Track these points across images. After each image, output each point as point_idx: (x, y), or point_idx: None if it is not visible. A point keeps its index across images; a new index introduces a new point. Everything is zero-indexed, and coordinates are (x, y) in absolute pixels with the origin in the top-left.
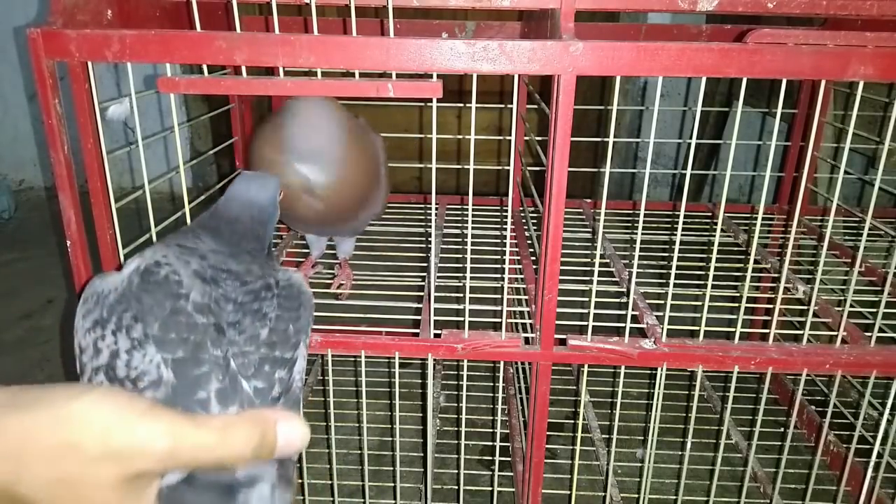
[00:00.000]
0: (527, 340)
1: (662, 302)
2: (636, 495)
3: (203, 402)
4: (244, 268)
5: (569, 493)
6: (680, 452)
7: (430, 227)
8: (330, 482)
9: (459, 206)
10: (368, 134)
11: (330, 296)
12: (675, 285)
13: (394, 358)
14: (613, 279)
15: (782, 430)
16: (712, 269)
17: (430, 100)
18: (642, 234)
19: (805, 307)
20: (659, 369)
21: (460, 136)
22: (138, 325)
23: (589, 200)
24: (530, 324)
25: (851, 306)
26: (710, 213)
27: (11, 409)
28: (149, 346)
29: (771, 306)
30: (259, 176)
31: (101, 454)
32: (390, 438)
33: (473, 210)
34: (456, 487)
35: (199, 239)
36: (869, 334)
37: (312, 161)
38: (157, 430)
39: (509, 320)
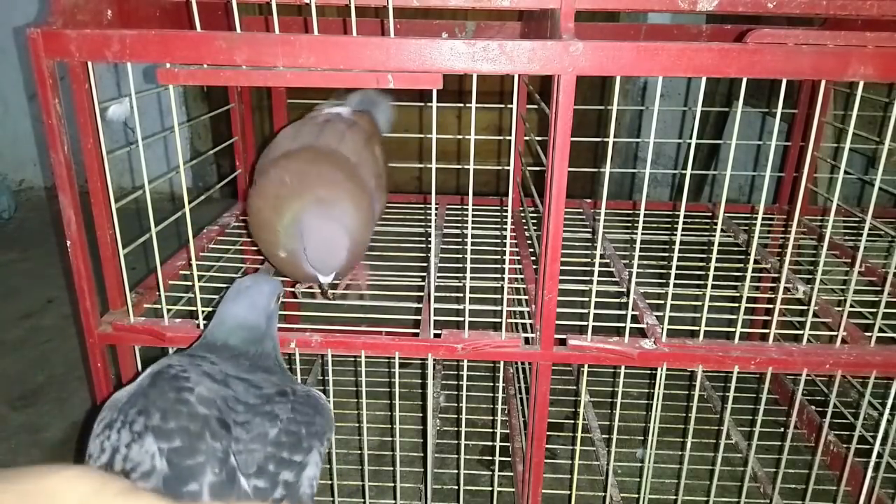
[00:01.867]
0: (527, 340)
1: (662, 302)
2: (636, 495)
3: (194, 494)
4: (259, 377)
5: (569, 493)
6: (680, 452)
7: (430, 227)
8: (330, 482)
9: (459, 206)
10: (364, 181)
11: (333, 296)
12: (675, 285)
13: (394, 358)
14: (613, 279)
15: (782, 430)
16: (712, 269)
17: (430, 99)
18: (642, 234)
19: (805, 307)
20: (659, 369)
21: (460, 136)
22: (141, 419)
23: (589, 200)
24: (530, 324)
25: (851, 306)
26: (710, 213)
27: None
28: (147, 436)
29: (771, 306)
30: (249, 290)
31: None
32: (390, 438)
33: (473, 210)
34: (456, 487)
35: (210, 355)
36: (869, 334)
37: (329, 269)
38: None
39: (509, 320)
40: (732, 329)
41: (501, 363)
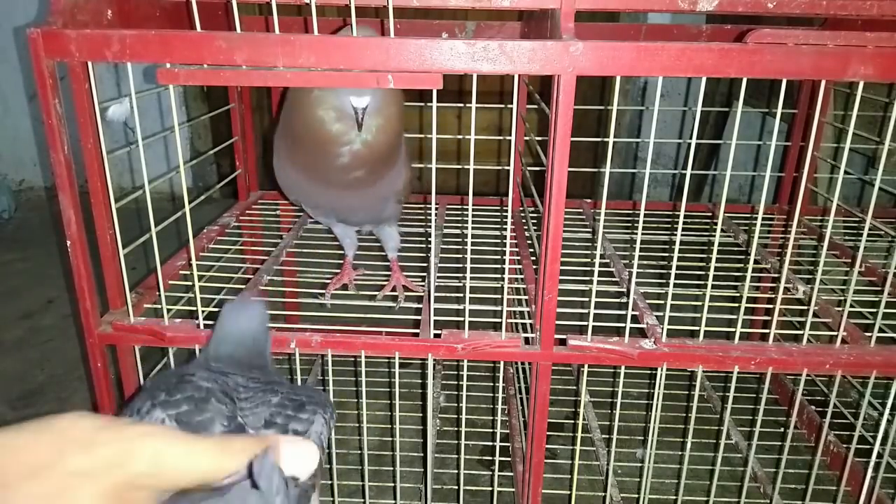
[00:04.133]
0: (527, 340)
1: (662, 302)
2: (636, 495)
3: None
4: (258, 377)
5: (569, 493)
6: (680, 452)
7: (430, 227)
8: (330, 482)
9: (459, 206)
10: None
11: (333, 296)
12: (675, 285)
13: (394, 358)
14: (613, 279)
15: (782, 430)
16: (712, 269)
17: (430, 99)
18: (642, 234)
19: (805, 307)
20: (659, 369)
21: (460, 136)
22: (147, 402)
23: (589, 200)
24: (530, 324)
25: (851, 306)
26: (710, 213)
27: None
28: (155, 410)
29: (771, 306)
30: (244, 307)
31: (84, 467)
32: (390, 438)
33: (473, 210)
34: (456, 487)
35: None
36: (869, 334)
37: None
38: (141, 439)
39: (509, 320)
40: (732, 329)
41: (501, 363)
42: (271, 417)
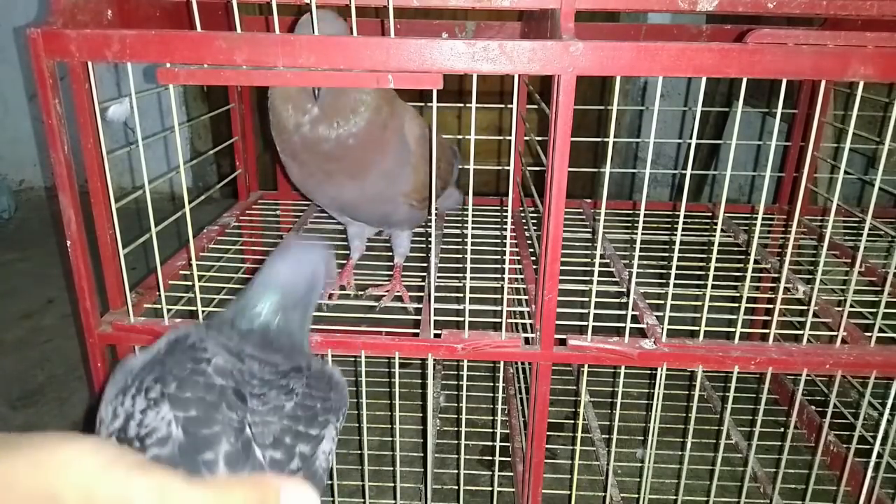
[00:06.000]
0: (527, 340)
1: (662, 302)
2: (636, 495)
3: (210, 463)
4: (276, 357)
5: (569, 493)
6: (680, 452)
7: (430, 227)
8: (330, 482)
9: (460, 206)
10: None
11: (333, 295)
12: (675, 285)
13: (394, 358)
14: (613, 279)
15: (782, 430)
16: (712, 269)
17: (430, 98)
18: (642, 234)
19: (805, 307)
20: (659, 369)
21: (460, 136)
22: (157, 386)
23: (589, 200)
24: (530, 324)
25: (851, 306)
26: (710, 213)
27: None
28: (163, 404)
29: (771, 306)
30: (306, 256)
31: None
32: (390, 438)
33: (473, 210)
34: (456, 487)
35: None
36: (869, 334)
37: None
38: (144, 485)
39: (509, 320)
40: (732, 329)
41: (501, 363)
42: (281, 435)
